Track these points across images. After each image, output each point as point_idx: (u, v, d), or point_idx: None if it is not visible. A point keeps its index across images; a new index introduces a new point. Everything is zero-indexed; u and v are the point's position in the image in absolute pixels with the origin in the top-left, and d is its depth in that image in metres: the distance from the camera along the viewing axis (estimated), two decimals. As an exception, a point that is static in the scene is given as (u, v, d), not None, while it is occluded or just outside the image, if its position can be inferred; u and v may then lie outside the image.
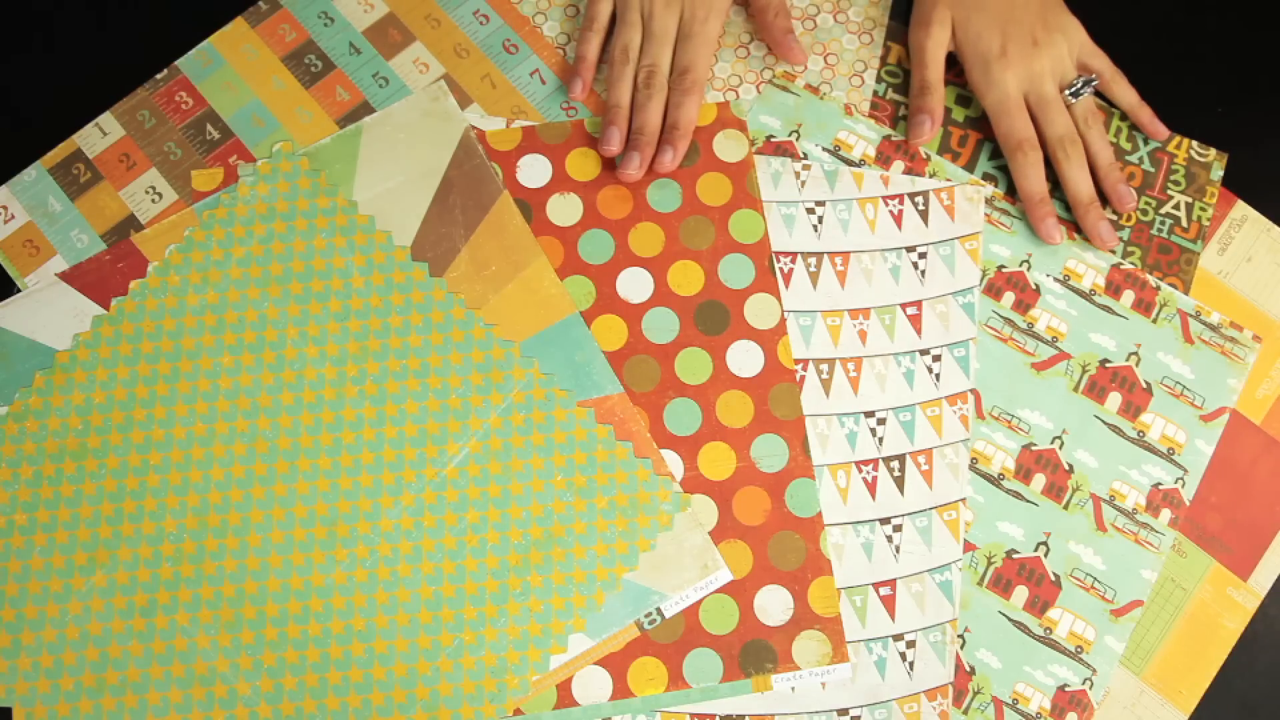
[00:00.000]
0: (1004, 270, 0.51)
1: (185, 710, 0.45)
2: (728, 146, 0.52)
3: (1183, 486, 0.49)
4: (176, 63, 0.53)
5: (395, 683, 0.45)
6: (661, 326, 0.49)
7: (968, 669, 0.47)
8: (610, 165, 0.52)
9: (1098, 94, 0.53)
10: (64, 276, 0.50)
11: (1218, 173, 0.52)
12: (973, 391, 0.49)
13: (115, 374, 0.48)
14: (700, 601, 0.46)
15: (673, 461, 0.48)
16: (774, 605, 0.46)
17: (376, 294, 0.49)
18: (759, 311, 0.50)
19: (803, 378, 0.49)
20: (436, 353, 0.48)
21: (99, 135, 0.52)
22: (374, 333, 0.48)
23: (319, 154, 0.51)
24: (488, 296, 0.49)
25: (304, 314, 0.49)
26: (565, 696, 0.45)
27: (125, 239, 0.50)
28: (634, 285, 0.50)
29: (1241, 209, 0.52)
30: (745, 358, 0.49)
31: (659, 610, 0.46)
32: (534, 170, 0.51)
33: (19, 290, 0.50)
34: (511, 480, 0.47)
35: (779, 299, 0.50)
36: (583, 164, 0.52)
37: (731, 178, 0.51)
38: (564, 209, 0.51)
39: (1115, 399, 0.50)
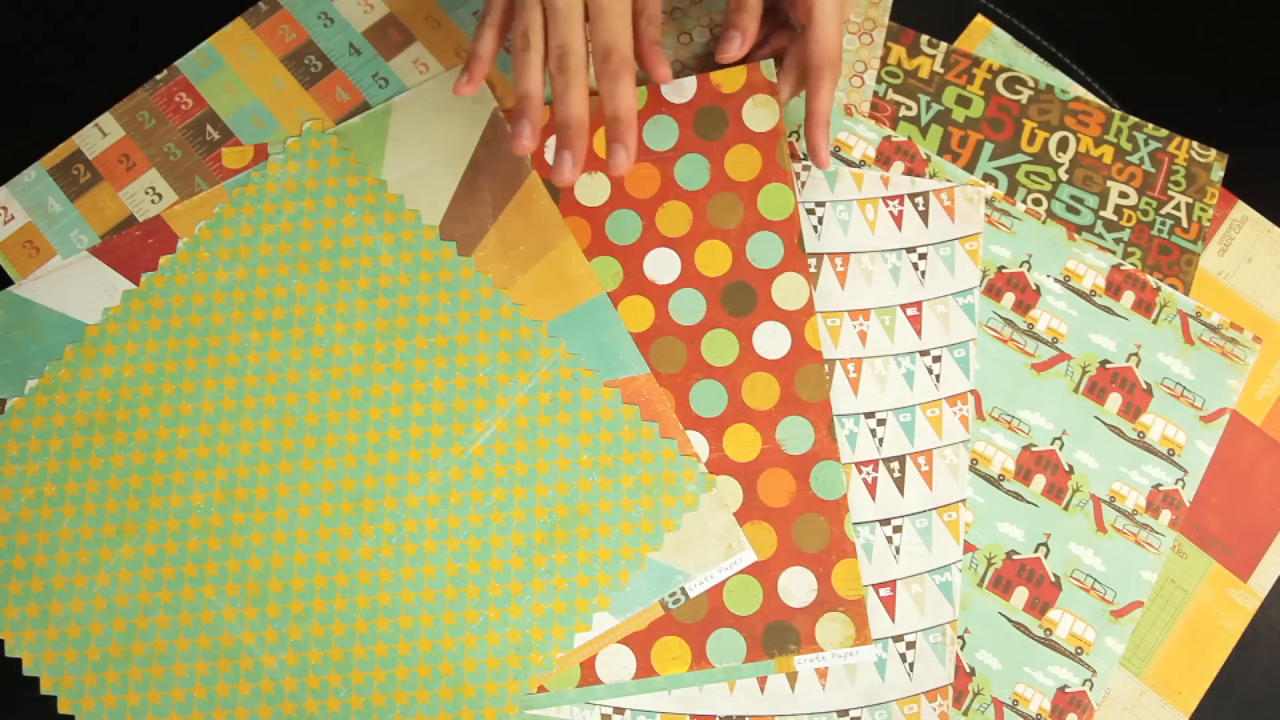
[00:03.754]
0: (1004, 271, 0.54)
1: (210, 683, 0.47)
2: (758, 115, 0.53)
3: (1183, 487, 0.51)
4: (176, 63, 0.55)
5: (421, 657, 0.47)
6: (688, 308, 0.51)
7: (968, 670, 0.49)
8: (640, 146, 0.52)
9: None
10: (95, 251, 0.52)
11: (1218, 173, 0.55)
12: (973, 392, 0.52)
13: (144, 348, 0.50)
14: (724, 582, 0.48)
15: (698, 443, 0.50)
16: (798, 587, 0.49)
17: (405, 272, 0.51)
18: (787, 292, 0.51)
19: (803, 378, 0.52)
20: (464, 332, 0.50)
21: (99, 136, 0.54)
22: (402, 311, 0.50)
23: (348, 133, 0.53)
24: (515, 276, 0.51)
25: (333, 291, 0.51)
26: (589, 674, 0.47)
27: (155, 216, 0.52)
28: (661, 266, 0.52)
29: (1242, 209, 0.55)
30: (772, 339, 0.51)
31: (683, 590, 0.48)
32: (561, 150, 0.53)
33: (17, 293, 0.52)
34: (538, 459, 0.49)
35: (808, 278, 0.52)
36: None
37: (761, 149, 0.53)
38: (591, 189, 0.53)
39: (1115, 400, 0.53)
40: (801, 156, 0.55)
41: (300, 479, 0.49)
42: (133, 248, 0.52)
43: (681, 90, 0.54)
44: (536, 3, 0.47)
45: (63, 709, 0.47)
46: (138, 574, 0.48)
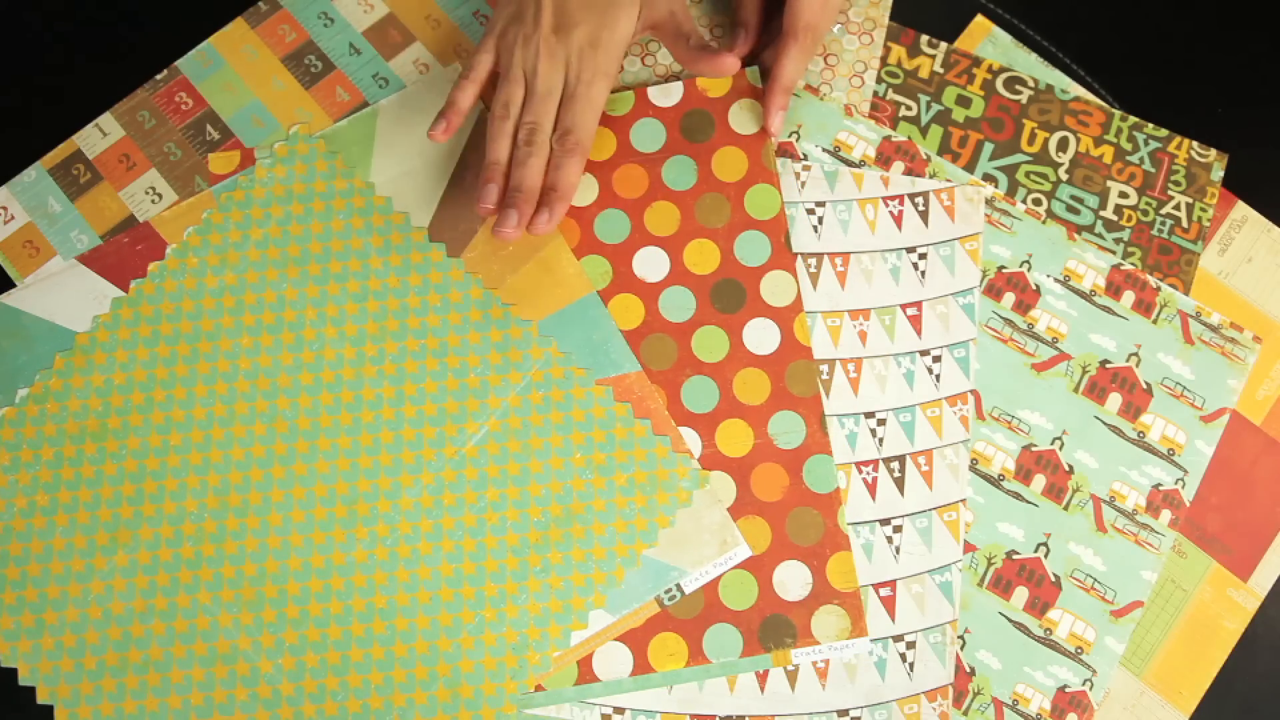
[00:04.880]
0: (1004, 271, 0.54)
1: (208, 688, 0.47)
2: (743, 118, 0.55)
3: (1183, 487, 0.52)
4: (176, 63, 0.56)
5: (417, 659, 0.48)
6: (678, 305, 0.52)
7: (968, 670, 0.49)
8: (627, 147, 0.54)
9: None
10: (83, 259, 0.52)
11: (1218, 173, 0.56)
12: (973, 392, 0.52)
13: (135, 355, 0.51)
14: (719, 577, 0.49)
15: (691, 439, 0.51)
16: (793, 580, 0.49)
17: (395, 274, 0.52)
18: (775, 289, 0.52)
19: (802, 378, 0.52)
20: (455, 332, 0.51)
21: (99, 135, 0.55)
22: (392, 313, 0.51)
23: (336, 136, 0.54)
24: (505, 276, 0.52)
25: (322, 295, 0.51)
26: (586, 672, 0.48)
27: (143, 223, 0.53)
28: (650, 264, 0.53)
29: (1242, 209, 0.55)
30: (762, 335, 0.52)
31: (679, 586, 0.49)
32: (549, 151, 0.54)
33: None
34: (531, 458, 0.50)
35: (795, 276, 0.53)
36: (598, 144, 0.54)
37: (747, 151, 0.54)
38: (580, 189, 0.53)
39: (1115, 400, 0.53)
40: (801, 156, 0.55)
41: (293, 483, 0.50)
42: (121, 255, 0.53)
43: (668, 94, 0.55)
44: (521, 80, 0.52)
45: (60, 719, 0.48)
46: (132, 581, 0.49)
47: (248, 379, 0.51)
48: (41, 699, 0.48)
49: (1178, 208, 0.55)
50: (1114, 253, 0.54)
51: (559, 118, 0.52)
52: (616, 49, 0.53)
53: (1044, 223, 0.55)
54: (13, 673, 0.48)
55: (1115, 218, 0.55)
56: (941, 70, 0.57)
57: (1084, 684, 0.49)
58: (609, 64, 0.52)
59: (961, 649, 0.50)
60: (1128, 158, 0.56)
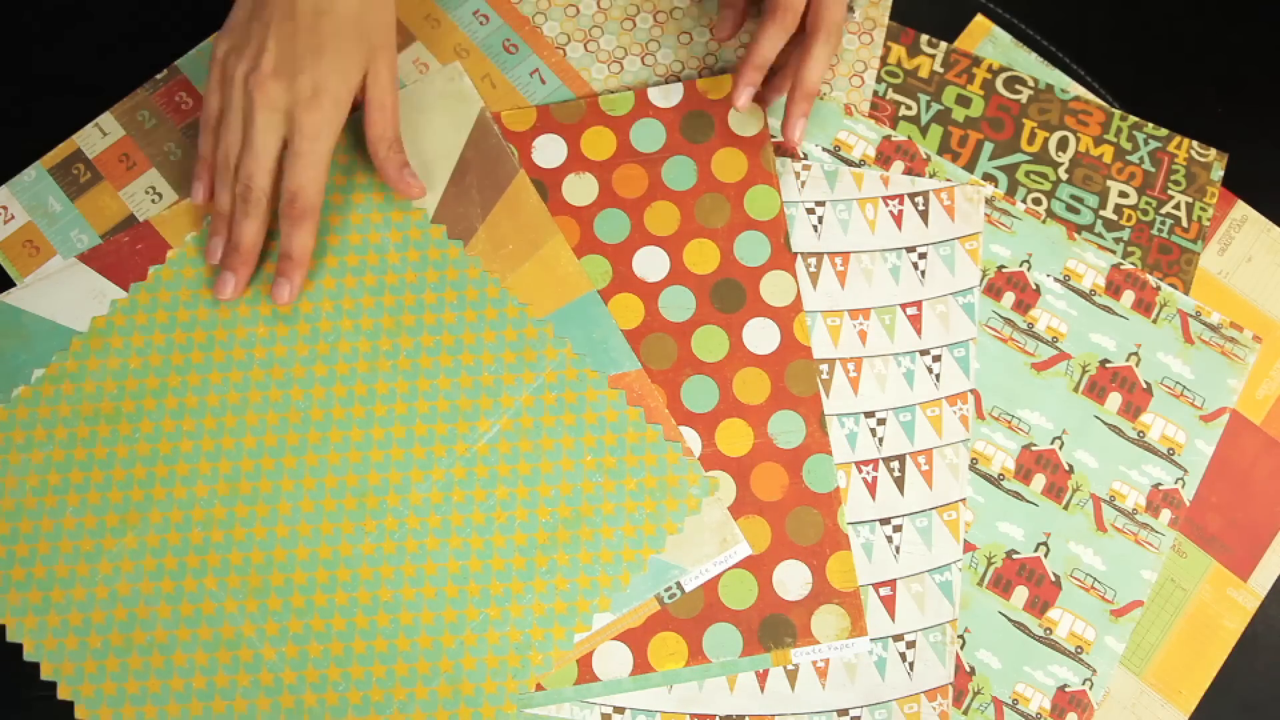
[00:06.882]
0: (1004, 270, 0.55)
1: (211, 673, 0.48)
2: (743, 120, 0.56)
3: (1183, 487, 0.52)
4: (176, 63, 0.56)
5: (420, 655, 0.48)
6: (678, 305, 0.53)
7: (968, 669, 0.50)
8: (627, 147, 0.55)
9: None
10: (83, 258, 0.53)
11: (1218, 173, 0.56)
12: (973, 392, 0.53)
13: (151, 340, 0.51)
14: (719, 577, 0.50)
15: (691, 438, 0.51)
16: (792, 580, 0.50)
17: (411, 269, 0.52)
18: (775, 289, 0.53)
19: (802, 378, 0.53)
20: (470, 330, 0.52)
21: (99, 135, 0.55)
22: (408, 308, 0.52)
23: None
24: (505, 275, 0.53)
25: (339, 287, 0.52)
26: (586, 672, 0.49)
27: (143, 223, 0.54)
28: (650, 264, 0.53)
29: (1242, 209, 0.56)
30: (761, 335, 0.53)
31: (679, 585, 0.50)
32: (549, 150, 0.55)
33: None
34: (542, 459, 0.50)
35: (795, 276, 0.54)
36: (597, 143, 0.55)
37: (747, 153, 0.55)
38: (579, 188, 0.55)
39: (1115, 399, 0.54)
40: (802, 156, 0.56)
41: (304, 473, 0.50)
42: (121, 254, 0.53)
43: (668, 95, 0.56)
44: (239, 127, 0.49)
45: (62, 695, 0.48)
46: (140, 563, 0.49)
47: (262, 368, 0.51)
48: (45, 675, 0.48)
49: (1178, 207, 0.56)
50: (1114, 252, 0.55)
51: (284, 178, 0.49)
52: (345, 101, 0.49)
53: (1044, 222, 0.55)
54: (13, 672, 0.49)
55: (1115, 217, 0.56)
56: (941, 70, 0.58)
57: (1084, 683, 0.50)
58: (337, 117, 0.49)
59: (961, 648, 0.50)
60: (1128, 157, 0.57)
